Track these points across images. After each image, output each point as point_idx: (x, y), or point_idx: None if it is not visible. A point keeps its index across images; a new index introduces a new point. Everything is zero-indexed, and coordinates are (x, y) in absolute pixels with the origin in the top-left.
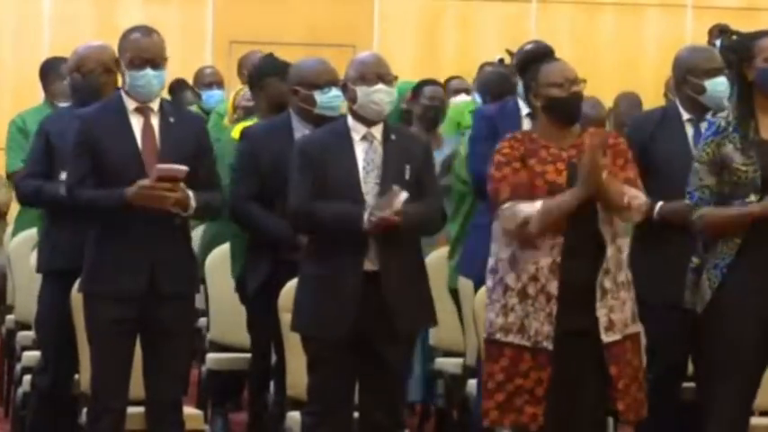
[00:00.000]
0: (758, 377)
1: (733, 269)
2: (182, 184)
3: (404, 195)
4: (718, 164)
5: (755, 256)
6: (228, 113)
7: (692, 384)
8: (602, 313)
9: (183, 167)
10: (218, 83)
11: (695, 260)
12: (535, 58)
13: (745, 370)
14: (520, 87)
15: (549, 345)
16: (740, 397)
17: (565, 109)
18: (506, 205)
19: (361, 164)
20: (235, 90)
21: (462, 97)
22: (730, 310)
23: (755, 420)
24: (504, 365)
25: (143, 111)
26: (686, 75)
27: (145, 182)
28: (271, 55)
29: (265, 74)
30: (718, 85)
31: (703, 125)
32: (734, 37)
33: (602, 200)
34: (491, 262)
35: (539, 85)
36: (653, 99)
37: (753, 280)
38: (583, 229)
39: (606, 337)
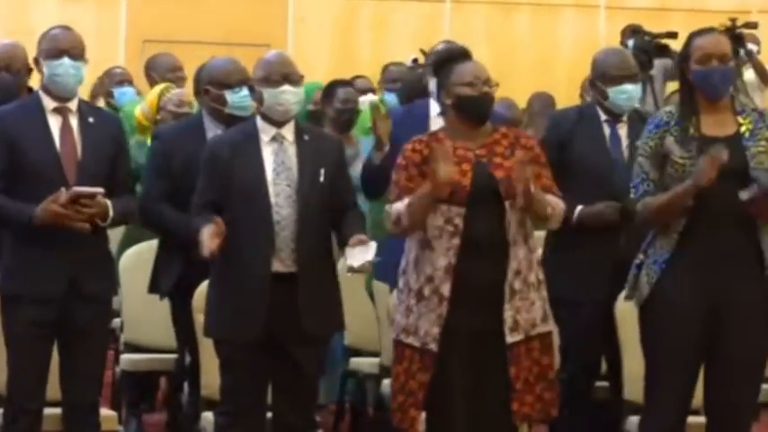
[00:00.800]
0: (695, 373)
1: (671, 264)
2: (99, 197)
3: (373, 246)
4: (661, 156)
5: (693, 251)
6: (149, 112)
7: (605, 383)
8: (508, 315)
9: (99, 190)
10: (128, 81)
11: (641, 256)
12: (450, 57)
13: (681, 366)
14: (433, 87)
15: (434, 346)
16: (676, 394)
17: (474, 108)
18: (387, 206)
19: (270, 165)
20: (155, 90)
21: (369, 96)
22: (667, 306)
23: (692, 419)
24: (405, 367)
25: (61, 111)
26: (596, 79)
27: (53, 206)
28: None
29: None
30: (620, 93)
31: (620, 126)
32: (645, 37)
33: (529, 211)
34: (402, 263)
35: (450, 83)
36: (567, 99)
37: (690, 275)
38: (486, 230)
39: (510, 338)
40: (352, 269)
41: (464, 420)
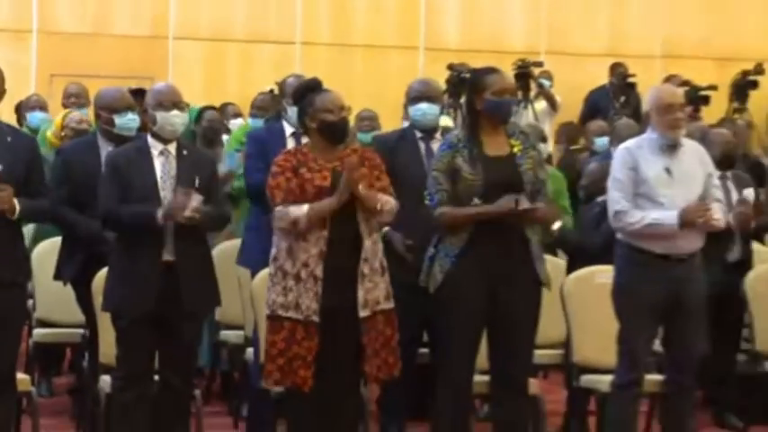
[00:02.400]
0: (477, 344)
1: (461, 257)
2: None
3: (197, 198)
4: (452, 171)
5: (478, 248)
6: (56, 131)
7: (426, 350)
8: (360, 294)
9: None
10: (41, 107)
11: (431, 250)
12: (309, 88)
13: (468, 339)
14: (291, 112)
15: (316, 318)
16: (464, 361)
17: (335, 130)
18: (279, 208)
19: (159, 174)
20: (60, 114)
21: (239, 121)
22: (457, 291)
23: (477, 378)
24: (284, 336)
25: None
26: (407, 103)
27: None
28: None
29: None
30: (416, 110)
31: (433, 142)
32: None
33: (360, 205)
34: (273, 252)
35: (314, 110)
36: (396, 124)
37: (476, 267)
38: (345, 226)
39: (362, 313)
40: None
41: (324, 377)
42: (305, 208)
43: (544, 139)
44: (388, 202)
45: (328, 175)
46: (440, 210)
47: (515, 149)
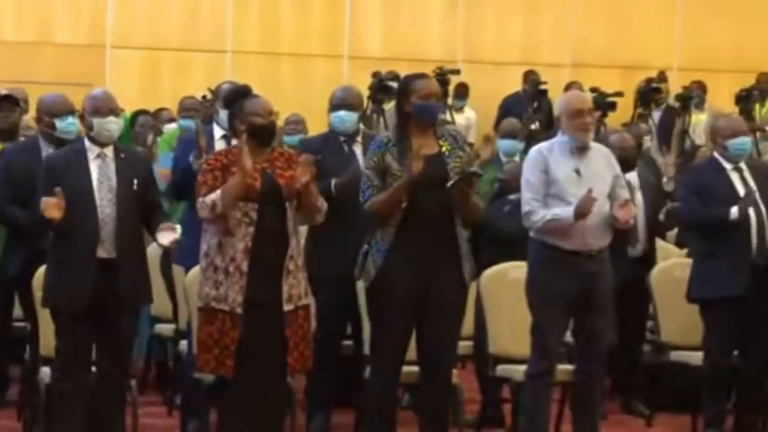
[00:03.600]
0: (408, 336)
1: (391, 253)
2: None
3: (179, 229)
4: (383, 169)
5: (407, 243)
6: None
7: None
8: (285, 289)
9: None
10: None
11: (365, 246)
12: (239, 93)
13: (400, 329)
14: (223, 115)
15: (240, 310)
16: (394, 353)
17: (264, 133)
18: (200, 200)
19: (95, 176)
20: None
21: (173, 125)
22: (390, 284)
23: (406, 368)
24: (217, 327)
25: None
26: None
27: None
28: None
29: None
30: (335, 117)
31: (355, 145)
32: (381, 80)
33: (304, 201)
34: (204, 248)
35: (244, 114)
36: (321, 128)
37: (405, 261)
38: (272, 223)
39: (286, 307)
40: (162, 246)
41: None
42: (218, 191)
43: (468, 145)
44: (323, 204)
45: (257, 176)
46: (368, 204)
47: (444, 149)
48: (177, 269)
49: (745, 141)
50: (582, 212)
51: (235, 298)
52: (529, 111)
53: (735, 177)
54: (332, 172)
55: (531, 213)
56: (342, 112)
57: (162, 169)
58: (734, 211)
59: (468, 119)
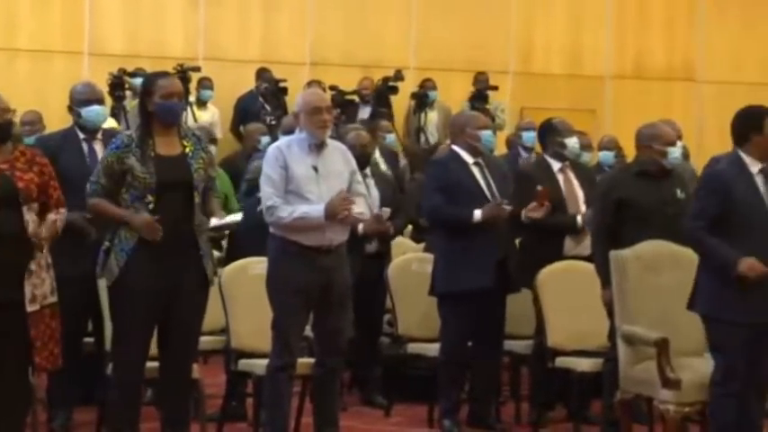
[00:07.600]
0: (150, 333)
1: (135, 253)
2: None
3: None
4: (120, 171)
5: (151, 243)
6: None
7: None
8: (28, 289)
9: None
10: None
11: (106, 243)
12: None
13: (141, 328)
14: None
15: None
16: (136, 350)
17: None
18: None
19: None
20: None
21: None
22: (134, 284)
23: (148, 364)
24: None
25: None
26: (72, 105)
27: None
28: None
29: None
30: (90, 112)
31: (95, 143)
32: (120, 78)
33: None
34: None
35: None
36: (60, 125)
37: (151, 262)
38: (10, 224)
39: (29, 307)
40: None
41: None
42: None
43: (214, 141)
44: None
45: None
46: (92, 200)
47: (187, 150)
48: None
49: (490, 134)
50: (333, 214)
51: None
52: (268, 108)
53: (476, 171)
54: (67, 171)
55: (274, 209)
56: (96, 107)
57: None
58: (477, 213)
59: (213, 115)
